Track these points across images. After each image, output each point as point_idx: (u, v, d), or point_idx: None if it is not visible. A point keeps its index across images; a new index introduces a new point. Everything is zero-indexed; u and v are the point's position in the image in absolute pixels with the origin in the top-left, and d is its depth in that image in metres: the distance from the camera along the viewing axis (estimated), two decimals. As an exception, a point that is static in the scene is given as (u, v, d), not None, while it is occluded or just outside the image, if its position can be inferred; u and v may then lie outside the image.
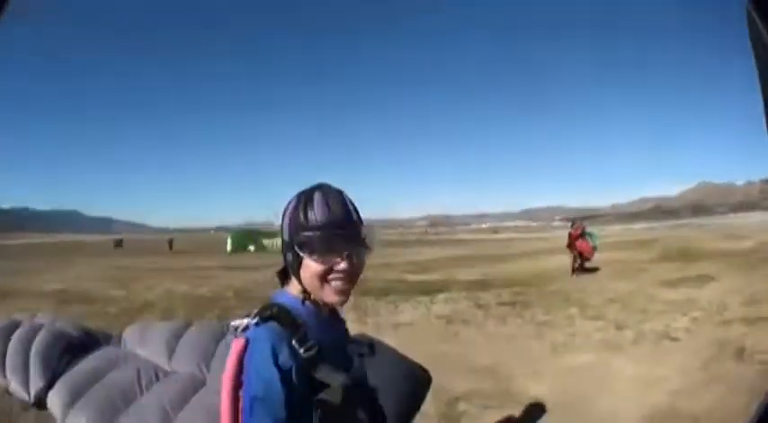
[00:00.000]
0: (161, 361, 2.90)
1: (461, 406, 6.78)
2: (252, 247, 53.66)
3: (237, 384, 1.59)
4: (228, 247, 53.79)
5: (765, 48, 1.15)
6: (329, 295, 1.76)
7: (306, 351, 1.64)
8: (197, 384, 2.57)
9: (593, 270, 21.53)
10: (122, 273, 28.65)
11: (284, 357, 1.62)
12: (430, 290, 18.28)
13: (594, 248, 21.89)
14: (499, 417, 6.39)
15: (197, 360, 2.83)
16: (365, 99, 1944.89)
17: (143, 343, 3.03)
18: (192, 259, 41.85)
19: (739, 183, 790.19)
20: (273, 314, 1.72)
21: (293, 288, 1.85)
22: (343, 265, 1.72)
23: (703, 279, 17.78)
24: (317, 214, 1.73)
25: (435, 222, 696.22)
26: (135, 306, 16.09)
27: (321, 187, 1.82)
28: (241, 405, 1.56)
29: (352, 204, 1.84)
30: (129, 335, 3.15)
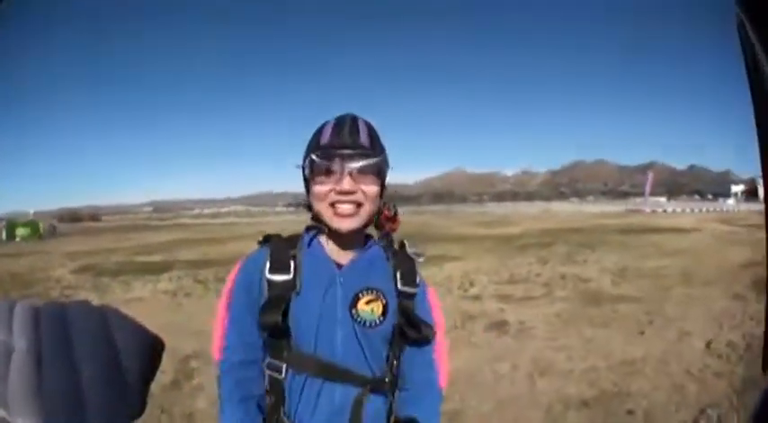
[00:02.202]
0: None
1: (192, 363, 7.47)
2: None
3: (230, 293, 1.83)
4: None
5: (753, 50, 1.06)
6: (332, 219, 1.73)
7: (273, 274, 1.73)
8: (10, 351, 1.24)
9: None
10: None
11: (252, 275, 1.78)
12: (155, 269, 19.30)
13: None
14: None
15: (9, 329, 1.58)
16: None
17: None
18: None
19: (508, 172, 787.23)
20: (269, 240, 1.88)
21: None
22: (344, 185, 1.67)
23: (442, 259, 19.22)
24: (323, 136, 1.74)
25: (159, 208, 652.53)
26: None
27: (342, 115, 1.81)
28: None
29: (370, 131, 1.79)
30: None
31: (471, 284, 14.02)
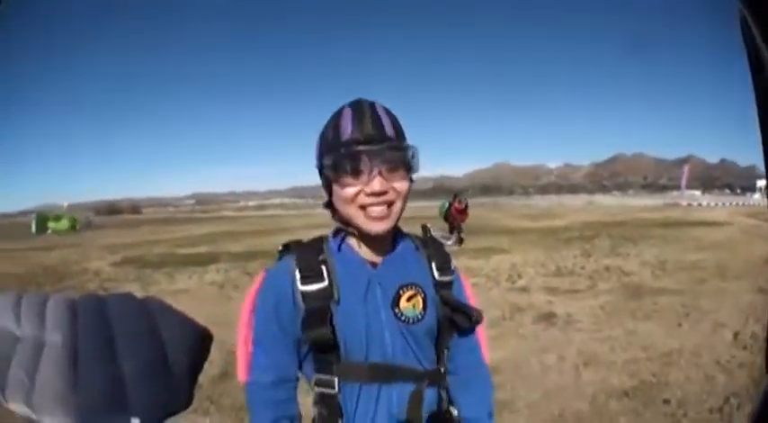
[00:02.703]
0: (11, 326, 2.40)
1: None
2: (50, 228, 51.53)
3: (252, 308, 1.71)
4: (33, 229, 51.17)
5: (757, 49, 1.05)
6: (364, 222, 1.59)
7: (306, 285, 1.60)
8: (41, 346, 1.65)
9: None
10: None
11: (281, 289, 1.64)
12: (201, 261, 19.04)
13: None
14: None
15: (39, 323, 2.18)
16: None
17: None
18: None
19: (551, 165, 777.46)
20: (290, 248, 1.73)
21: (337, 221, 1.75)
22: (374, 186, 1.53)
23: (490, 251, 19.13)
24: (343, 130, 1.57)
25: (202, 200, 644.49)
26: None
27: (355, 101, 1.64)
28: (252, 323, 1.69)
29: (392, 118, 1.63)
30: None
31: (519, 276, 14.21)
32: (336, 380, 1.60)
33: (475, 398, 1.85)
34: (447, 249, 1.89)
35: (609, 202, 75.36)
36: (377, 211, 1.58)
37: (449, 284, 1.80)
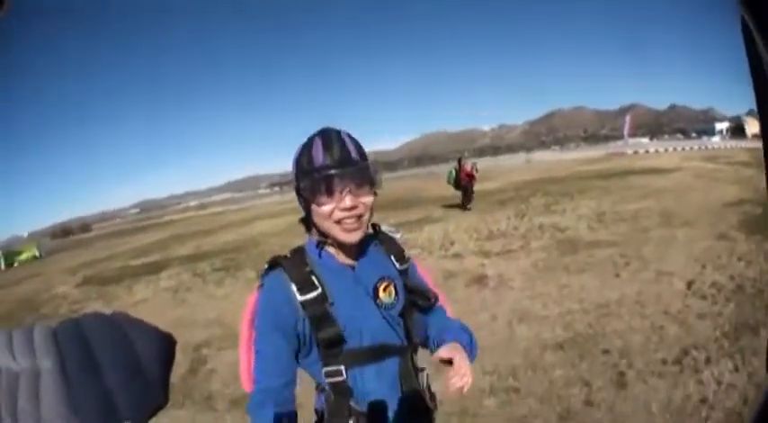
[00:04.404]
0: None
1: (204, 351, 8.42)
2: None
3: (251, 324, 2.07)
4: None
5: (757, 51, 1.12)
6: (340, 234, 1.96)
7: (304, 295, 1.93)
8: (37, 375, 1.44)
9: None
10: None
11: (280, 302, 1.94)
12: (154, 269, 20.31)
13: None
14: (233, 355, 6.77)
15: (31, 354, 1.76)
16: None
17: None
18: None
19: (485, 128, 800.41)
20: (278, 263, 2.04)
21: (315, 233, 2.11)
22: (346, 202, 1.89)
23: (423, 222, 20.63)
24: (315, 157, 1.93)
25: (146, 208, 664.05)
26: None
27: (322, 131, 2.01)
28: (254, 338, 2.01)
29: (355, 144, 2.01)
30: None
31: (452, 244, 14.82)
32: (343, 368, 1.98)
33: (442, 316, 2.36)
34: (400, 240, 2.36)
35: (547, 159, 76.17)
36: (350, 223, 1.96)
37: (406, 272, 2.25)
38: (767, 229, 10.98)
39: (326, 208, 1.93)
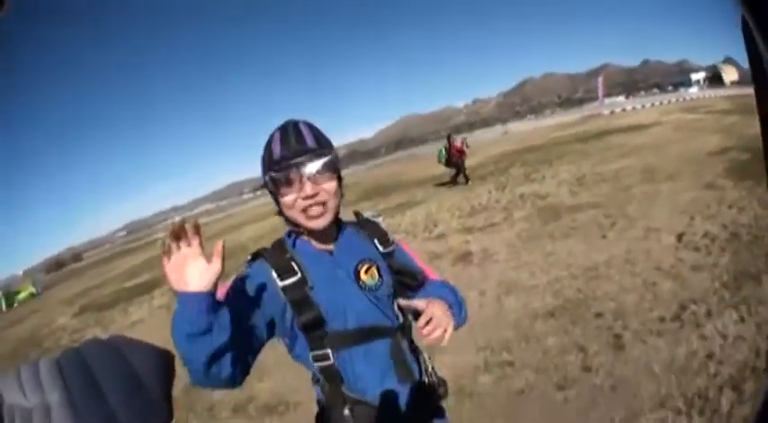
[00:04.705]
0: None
1: None
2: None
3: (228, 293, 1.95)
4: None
5: (759, 52, 1.10)
6: (306, 221, 2.01)
7: (284, 280, 1.97)
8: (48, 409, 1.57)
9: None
10: None
11: (259, 286, 1.94)
12: (146, 289, 20.95)
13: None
14: None
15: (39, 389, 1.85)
16: None
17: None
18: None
19: (459, 105, 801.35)
20: (260, 252, 2.11)
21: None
22: (306, 190, 1.94)
23: (404, 206, 20.80)
24: (273, 151, 1.99)
25: (133, 229, 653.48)
26: None
27: (282, 125, 2.07)
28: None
29: (314, 131, 2.05)
30: None
31: (435, 224, 14.85)
32: (330, 351, 2.00)
33: (437, 285, 2.28)
34: (381, 222, 2.37)
35: (524, 128, 76.40)
36: (314, 210, 2.01)
37: (391, 254, 2.26)
38: (757, 173, 10.77)
39: (289, 198, 2.00)
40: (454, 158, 22.92)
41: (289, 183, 1.97)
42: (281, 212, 2.13)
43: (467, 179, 22.42)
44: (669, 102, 63.19)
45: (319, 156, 1.99)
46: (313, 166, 1.96)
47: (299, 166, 1.95)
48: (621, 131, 29.26)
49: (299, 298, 1.97)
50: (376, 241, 2.24)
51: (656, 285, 6.55)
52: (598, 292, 6.76)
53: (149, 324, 13.79)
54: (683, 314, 5.64)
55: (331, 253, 2.14)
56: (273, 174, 1.98)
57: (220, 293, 1.88)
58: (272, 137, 2.05)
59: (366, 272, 2.12)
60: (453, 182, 23.05)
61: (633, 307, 6.10)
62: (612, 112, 62.21)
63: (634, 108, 63.52)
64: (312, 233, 2.11)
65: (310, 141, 2.01)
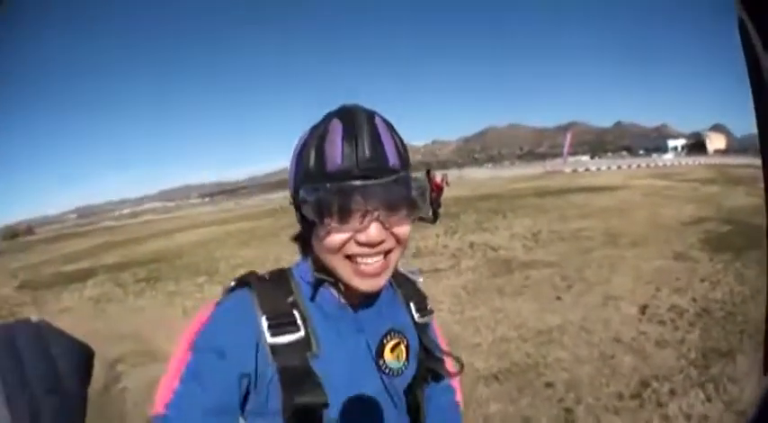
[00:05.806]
0: None
1: (119, 367, 8.34)
2: None
3: (191, 346, 1.29)
4: None
5: (756, 56, 1.00)
6: (352, 278, 1.32)
7: (277, 336, 1.31)
8: None
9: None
10: None
11: (236, 336, 1.31)
12: (82, 276, 20.96)
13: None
14: (148, 373, 7.62)
15: None
16: None
17: None
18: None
19: (417, 143, 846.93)
20: (248, 282, 1.42)
21: (311, 264, 1.46)
22: (370, 234, 1.26)
23: None
24: (329, 156, 1.26)
25: (83, 213, 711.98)
26: None
27: (348, 110, 1.32)
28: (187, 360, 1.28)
29: (396, 140, 1.34)
30: None
31: None
32: None
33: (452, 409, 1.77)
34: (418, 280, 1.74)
35: (480, 176, 77.60)
36: (371, 264, 1.30)
37: (425, 328, 1.62)
38: (737, 246, 10.90)
39: (338, 238, 1.27)
40: (433, 194, 20.48)
41: (346, 213, 1.25)
42: (302, 240, 1.47)
43: (435, 217, 21.48)
44: (639, 166, 64.92)
45: (401, 182, 1.29)
46: (390, 198, 1.27)
47: (369, 193, 1.24)
48: (584, 191, 29.84)
49: (296, 367, 1.30)
50: (412, 306, 1.60)
51: (614, 358, 6.33)
52: (549, 358, 6.48)
53: (76, 314, 13.68)
54: (644, 392, 5.47)
55: (355, 310, 1.46)
56: (323, 194, 1.24)
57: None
58: (326, 127, 1.29)
59: (393, 349, 1.47)
60: (434, 218, 21.83)
61: (588, 379, 5.85)
62: (575, 171, 63.52)
63: (599, 169, 64.68)
64: (349, 289, 1.37)
65: (392, 157, 1.28)
